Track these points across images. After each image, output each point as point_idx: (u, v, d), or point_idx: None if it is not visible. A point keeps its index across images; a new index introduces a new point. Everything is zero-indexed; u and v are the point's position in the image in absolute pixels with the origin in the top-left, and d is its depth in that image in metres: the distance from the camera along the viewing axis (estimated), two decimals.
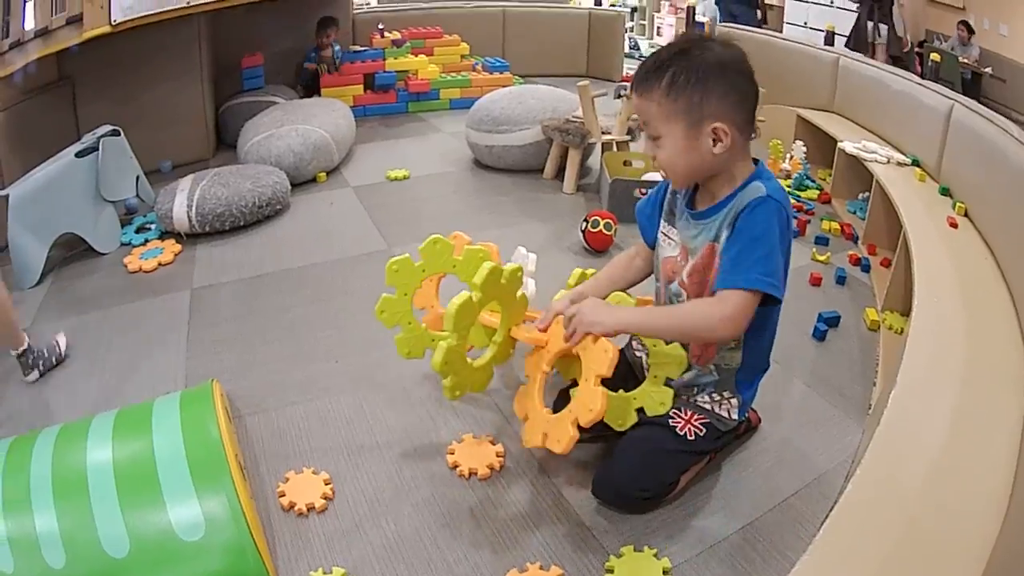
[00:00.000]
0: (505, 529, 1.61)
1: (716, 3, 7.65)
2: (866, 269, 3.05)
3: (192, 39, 3.91)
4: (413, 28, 5.56)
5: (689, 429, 1.68)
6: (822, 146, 4.23)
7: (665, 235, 1.73)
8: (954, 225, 2.66)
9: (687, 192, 1.66)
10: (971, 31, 8.09)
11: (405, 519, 1.62)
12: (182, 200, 2.97)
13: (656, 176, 3.42)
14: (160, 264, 2.81)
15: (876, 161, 3.35)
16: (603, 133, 3.74)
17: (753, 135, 1.53)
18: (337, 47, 4.98)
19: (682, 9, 12.57)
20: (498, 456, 1.79)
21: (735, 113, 1.48)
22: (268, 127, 3.68)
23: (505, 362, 1.93)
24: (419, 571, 1.49)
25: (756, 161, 1.58)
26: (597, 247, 2.98)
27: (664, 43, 1.53)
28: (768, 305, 1.52)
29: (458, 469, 1.76)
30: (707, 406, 1.73)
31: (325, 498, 1.66)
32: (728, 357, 1.70)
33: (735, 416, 1.74)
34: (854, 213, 3.61)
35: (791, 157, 4.32)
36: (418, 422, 1.96)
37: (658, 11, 11.51)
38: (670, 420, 1.69)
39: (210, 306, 2.52)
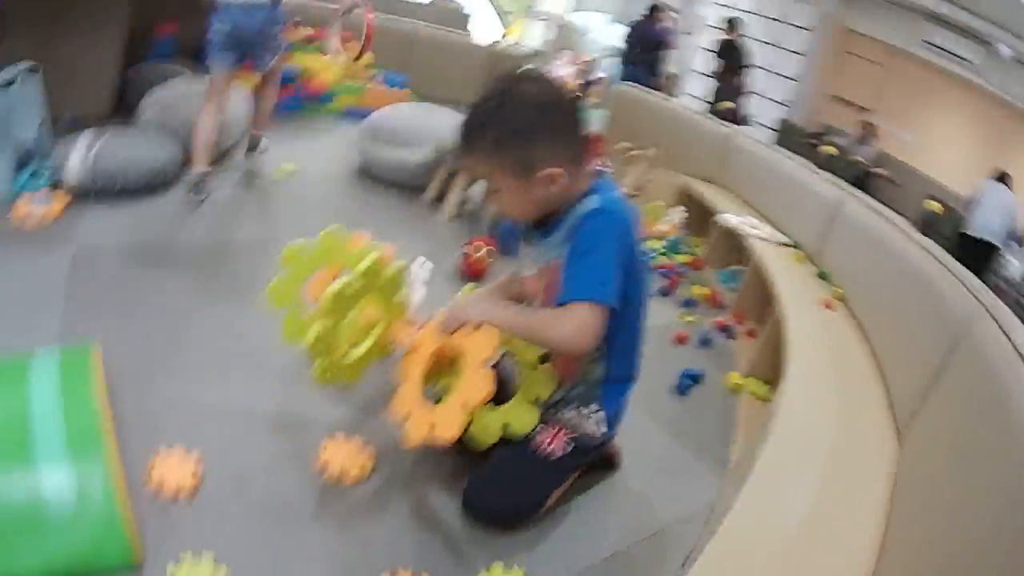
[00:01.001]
0: (375, 532, 1.65)
1: (622, 63, 7.87)
2: (731, 336, 3.24)
3: None
4: (319, 29, 5.53)
5: (557, 445, 1.73)
6: (702, 215, 4.40)
7: (526, 255, 1.80)
8: (829, 307, 2.82)
9: None
10: (873, 131, 8.62)
11: (275, 511, 1.63)
12: (79, 153, 2.91)
13: None
14: (47, 216, 2.72)
15: (757, 237, 3.53)
16: None
17: (591, 162, 1.64)
18: None
19: (581, 60, 12.91)
20: (369, 458, 1.82)
21: (564, 151, 1.54)
22: (172, 98, 3.64)
23: (378, 360, 1.90)
24: (289, 561, 1.51)
25: (599, 174, 1.65)
26: (473, 274, 3.06)
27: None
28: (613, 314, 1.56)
29: (329, 467, 1.77)
30: (573, 421, 1.77)
31: (194, 478, 1.63)
32: (590, 369, 1.75)
33: (602, 430, 1.79)
34: (724, 283, 3.84)
35: (669, 220, 4.48)
36: (294, 410, 1.98)
37: (557, 59, 11.75)
38: (536, 439, 1.73)
39: (92, 267, 2.48)
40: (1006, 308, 1.91)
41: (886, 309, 2.63)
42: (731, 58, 7.82)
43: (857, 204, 3.27)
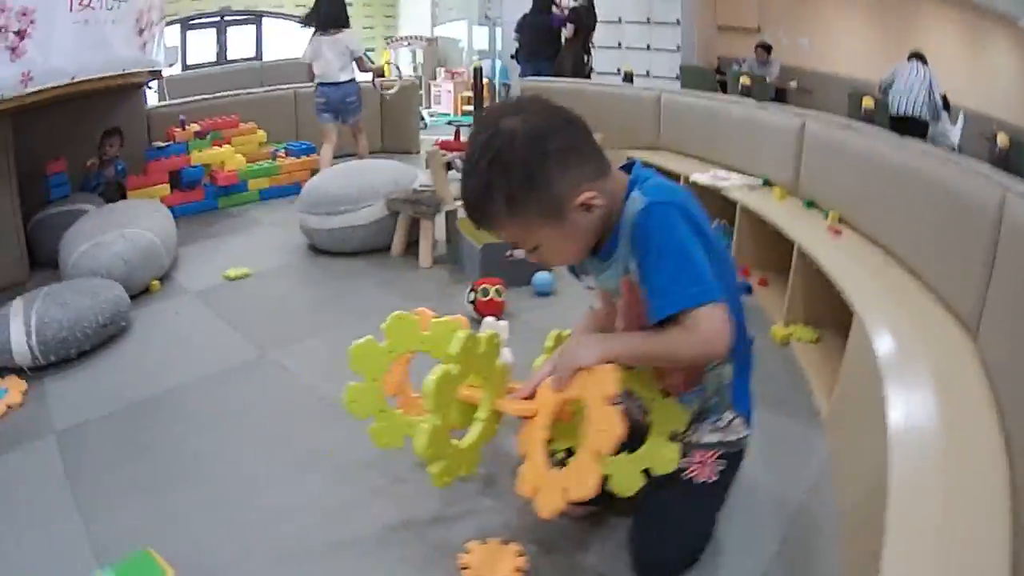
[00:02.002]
0: None
1: (521, 60, 7.74)
2: (747, 291, 3.10)
3: None
4: (208, 119, 5.17)
5: (709, 470, 1.58)
6: None
7: (587, 286, 1.64)
8: (838, 232, 2.79)
9: None
10: (769, 51, 8.68)
11: None
12: (18, 328, 2.48)
13: None
14: (8, 407, 2.29)
15: (732, 186, 3.45)
16: (455, 199, 3.60)
17: (608, 168, 1.41)
18: (121, 166, 4.49)
19: (459, 73, 12.86)
20: (519, 556, 1.59)
21: (584, 169, 1.36)
22: (91, 235, 3.22)
23: (491, 439, 1.74)
24: None
25: (628, 167, 1.47)
26: (493, 314, 2.79)
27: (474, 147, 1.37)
28: None
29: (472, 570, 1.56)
30: (715, 438, 1.60)
31: None
32: (718, 374, 1.56)
33: (745, 432, 1.62)
34: None
35: None
36: (414, 525, 1.74)
37: (434, 79, 11.58)
38: (684, 473, 1.56)
39: (86, 451, 2.07)
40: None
41: (900, 219, 2.57)
42: (581, 23, 7.76)
43: (817, 123, 3.30)
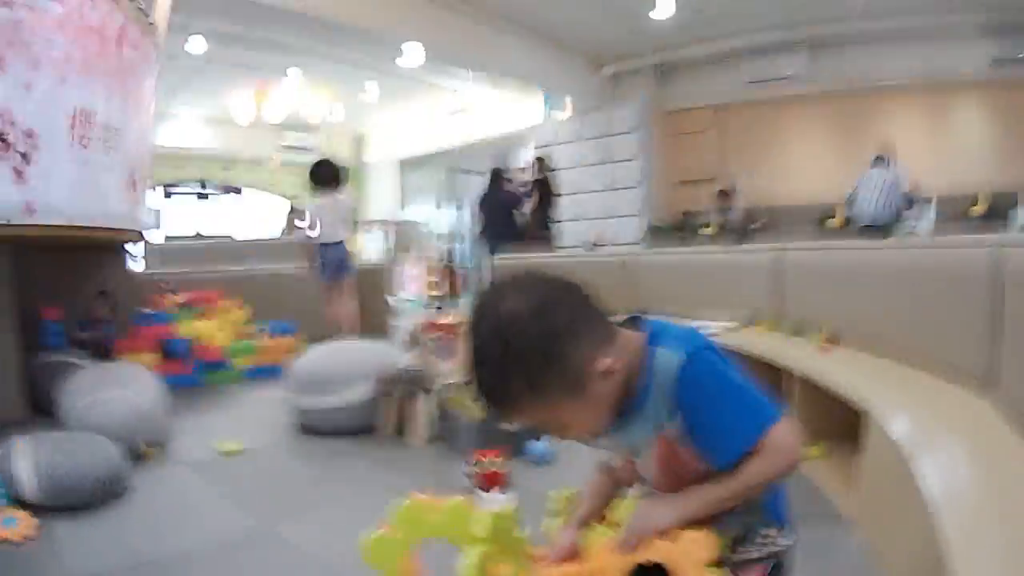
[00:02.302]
0: None
1: (485, 235, 7.97)
2: None
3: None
4: (192, 292, 5.30)
5: None
6: None
7: (609, 447, 1.58)
8: (827, 350, 2.99)
9: None
10: (729, 195, 9.03)
11: None
12: (26, 465, 2.56)
13: None
14: (23, 538, 2.35)
15: (714, 332, 3.65)
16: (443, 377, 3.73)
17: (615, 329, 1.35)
18: (110, 331, 4.60)
19: (425, 258, 13.04)
20: None
21: (595, 336, 1.32)
22: (90, 391, 3.27)
23: None
24: None
25: (636, 322, 1.42)
26: (495, 485, 2.87)
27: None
28: None
29: None
30: (758, 552, 1.49)
31: None
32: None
33: (786, 541, 1.52)
34: None
35: None
36: None
37: (396, 264, 11.81)
38: None
39: None
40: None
41: (890, 315, 2.80)
42: (543, 192, 8.21)
43: (794, 252, 3.51)
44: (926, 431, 1.98)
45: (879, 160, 7.30)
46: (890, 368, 2.68)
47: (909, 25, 8.63)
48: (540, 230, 8.05)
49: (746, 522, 1.47)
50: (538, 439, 3.38)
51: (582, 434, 1.41)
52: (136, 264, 6.10)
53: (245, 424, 4.01)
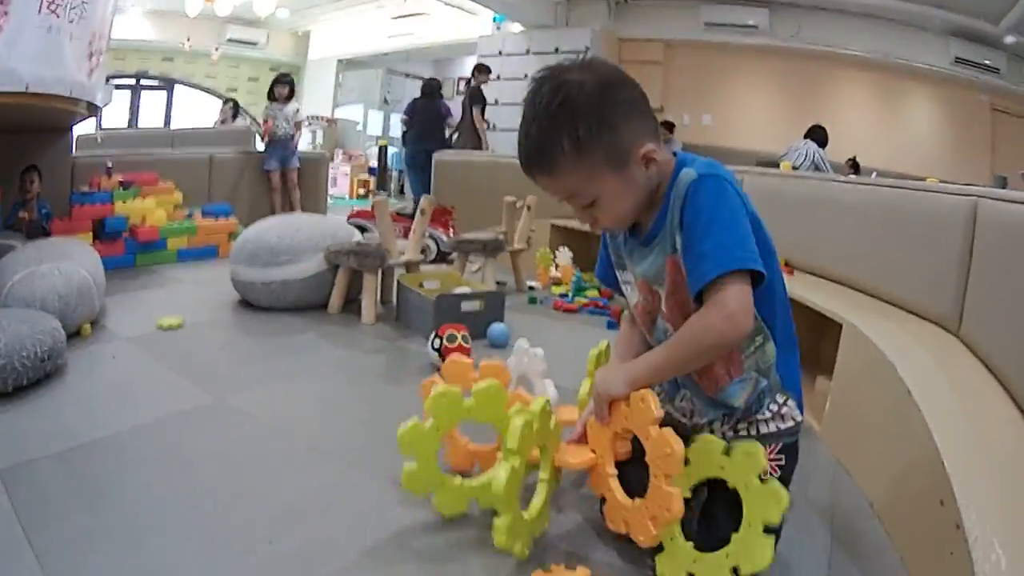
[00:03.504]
0: None
1: (410, 143, 7.97)
2: None
3: None
4: (129, 174, 5.03)
5: (772, 467, 1.48)
6: (580, 252, 4.66)
7: (624, 282, 1.62)
8: (789, 272, 3.06)
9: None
10: (671, 129, 8.97)
11: None
12: None
13: (465, 289, 3.35)
14: None
15: None
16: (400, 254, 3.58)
17: (668, 127, 1.48)
18: (46, 208, 4.31)
19: (356, 156, 12.92)
20: None
21: (646, 125, 1.38)
22: (26, 264, 3.02)
23: (558, 488, 1.76)
24: None
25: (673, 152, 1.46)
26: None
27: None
28: (760, 285, 1.34)
29: None
30: (772, 427, 1.51)
31: None
32: (762, 354, 1.48)
33: (797, 417, 1.52)
34: None
35: (557, 265, 4.47)
36: (450, 565, 1.53)
37: (331, 160, 11.56)
38: None
39: (36, 493, 1.76)
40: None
41: (853, 251, 2.88)
42: (478, 100, 8.15)
43: (753, 177, 3.64)
44: (904, 345, 2.06)
45: (811, 134, 7.29)
46: (857, 296, 2.73)
47: (877, 4, 8.64)
48: (471, 139, 8.06)
49: (761, 384, 1.50)
50: (498, 320, 3.27)
51: (611, 219, 1.45)
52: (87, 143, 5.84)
53: (184, 301, 3.80)
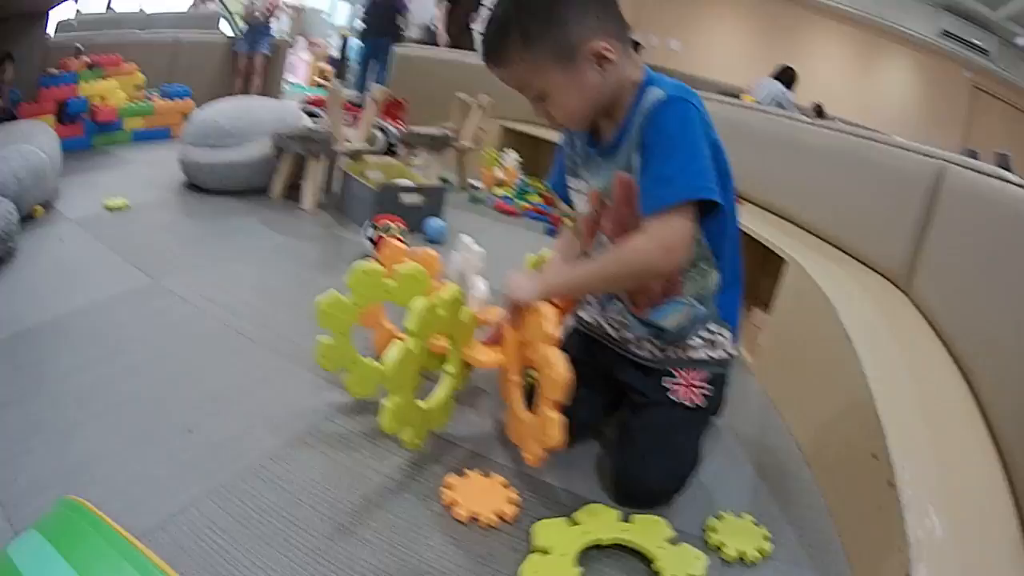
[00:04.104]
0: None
1: (365, 36, 7.86)
2: None
3: None
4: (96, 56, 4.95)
5: (694, 393, 1.52)
6: (529, 157, 4.68)
7: (575, 191, 1.60)
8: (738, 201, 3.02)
9: (585, 135, 1.52)
10: (636, 48, 8.73)
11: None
12: None
13: (407, 182, 3.39)
14: None
15: None
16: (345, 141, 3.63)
17: (634, 46, 1.43)
18: (15, 94, 4.29)
19: (318, 44, 12.65)
20: (505, 486, 1.51)
21: (603, 23, 1.34)
22: None
23: (465, 385, 1.76)
24: None
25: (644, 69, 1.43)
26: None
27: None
28: (713, 214, 1.37)
29: (456, 511, 1.43)
30: (703, 354, 1.54)
31: None
32: (706, 280, 1.49)
33: (730, 351, 1.57)
34: None
35: (503, 166, 4.49)
36: (373, 464, 1.57)
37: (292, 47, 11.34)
38: (668, 393, 1.52)
39: None
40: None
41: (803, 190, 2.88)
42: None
43: (713, 104, 3.44)
44: (848, 291, 2.06)
45: (780, 75, 7.22)
46: (807, 237, 2.74)
47: None
48: (456, 36, 7.81)
49: (695, 310, 1.51)
50: (437, 216, 3.35)
51: (562, 116, 1.42)
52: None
53: (133, 183, 3.85)
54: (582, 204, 1.59)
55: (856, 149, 2.64)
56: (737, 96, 6.72)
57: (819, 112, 8.36)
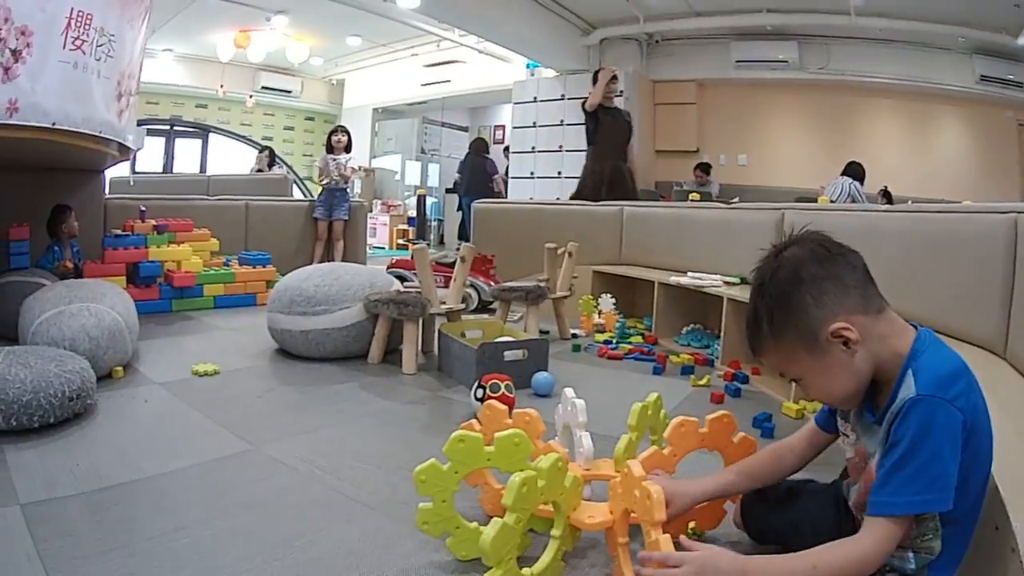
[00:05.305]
0: None
1: (453, 191, 8.54)
2: (744, 381, 3.33)
3: None
4: (163, 219, 4.99)
5: None
6: (623, 298, 4.75)
7: (843, 433, 1.52)
8: None
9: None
10: (707, 171, 9.22)
11: None
12: None
13: (508, 338, 3.29)
14: None
15: (713, 286, 3.80)
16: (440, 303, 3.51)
17: (879, 308, 1.34)
18: (76, 247, 4.30)
19: (395, 206, 13.02)
20: None
21: (843, 299, 1.31)
22: (55, 303, 2.97)
23: (574, 545, 1.69)
24: None
25: (916, 327, 1.37)
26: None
27: None
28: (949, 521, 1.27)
29: None
30: None
31: None
32: (928, 543, 1.33)
33: None
34: (688, 344, 4.15)
35: (600, 311, 4.46)
36: None
37: (370, 211, 11.61)
38: None
39: (58, 532, 1.70)
40: None
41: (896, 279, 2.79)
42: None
43: (794, 213, 3.64)
44: None
45: (848, 170, 7.42)
46: None
47: (901, 28, 8.58)
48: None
49: (901, 565, 1.36)
50: (543, 368, 3.18)
51: (819, 396, 1.42)
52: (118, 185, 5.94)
53: (220, 348, 3.72)
54: (847, 448, 1.52)
55: (927, 225, 2.65)
56: (815, 200, 6.65)
57: (887, 196, 8.32)
